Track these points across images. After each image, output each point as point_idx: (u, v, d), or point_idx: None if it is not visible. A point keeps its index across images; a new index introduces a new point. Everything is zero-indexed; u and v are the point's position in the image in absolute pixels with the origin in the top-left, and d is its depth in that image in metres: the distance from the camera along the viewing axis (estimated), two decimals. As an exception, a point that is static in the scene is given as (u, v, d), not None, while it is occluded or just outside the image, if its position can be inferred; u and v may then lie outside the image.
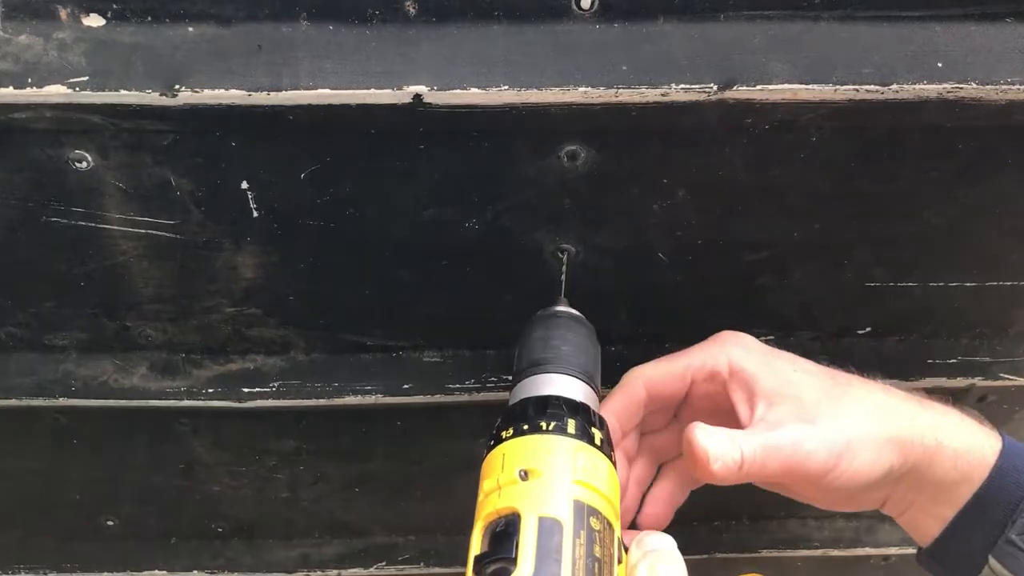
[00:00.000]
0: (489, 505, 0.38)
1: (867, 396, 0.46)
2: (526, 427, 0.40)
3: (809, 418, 0.44)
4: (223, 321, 0.56)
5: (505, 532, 0.37)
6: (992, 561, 0.43)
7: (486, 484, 0.39)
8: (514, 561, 0.35)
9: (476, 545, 0.38)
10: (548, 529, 0.36)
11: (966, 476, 0.45)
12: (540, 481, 0.38)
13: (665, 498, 0.50)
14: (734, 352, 0.46)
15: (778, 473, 0.43)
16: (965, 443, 0.45)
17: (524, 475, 0.38)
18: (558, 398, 0.42)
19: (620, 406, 0.47)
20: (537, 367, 0.45)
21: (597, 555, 0.37)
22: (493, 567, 0.36)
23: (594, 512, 0.38)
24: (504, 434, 0.41)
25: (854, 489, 0.44)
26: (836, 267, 0.54)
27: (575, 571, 0.35)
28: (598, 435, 0.41)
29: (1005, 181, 0.49)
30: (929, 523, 0.46)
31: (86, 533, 0.72)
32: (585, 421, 0.41)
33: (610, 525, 0.39)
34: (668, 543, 0.40)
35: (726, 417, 0.46)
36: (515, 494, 0.38)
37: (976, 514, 0.44)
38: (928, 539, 0.47)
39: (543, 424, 0.40)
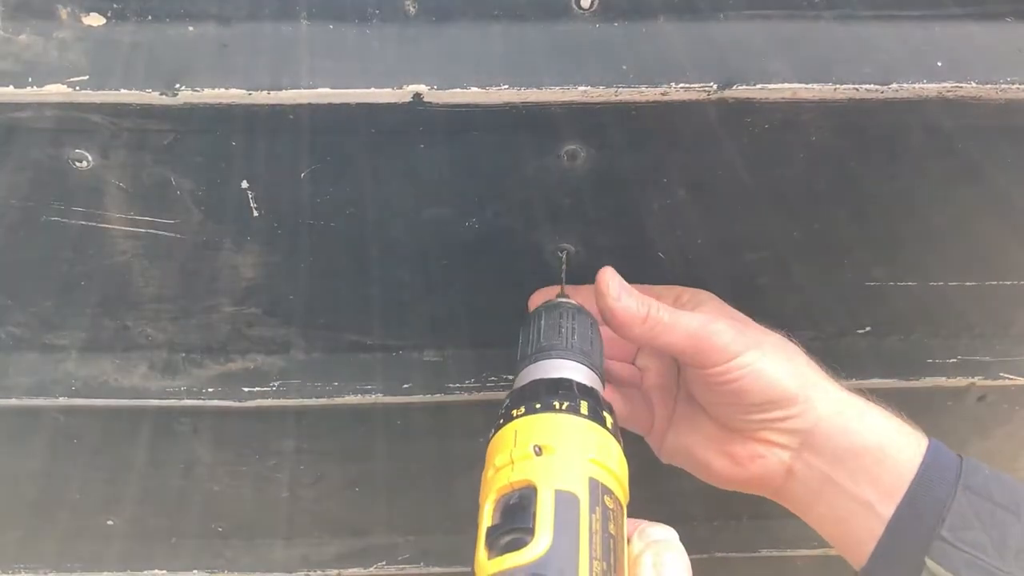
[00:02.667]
0: (502, 479, 0.38)
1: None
2: (538, 406, 0.40)
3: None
4: (223, 320, 0.56)
5: (519, 504, 0.36)
6: (929, 563, 0.42)
7: (497, 459, 0.39)
8: (531, 531, 0.34)
9: (488, 517, 0.37)
10: (565, 502, 0.35)
11: (887, 456, 0.44)
12: (555, 457, 0.37)
13: None
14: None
15: (683, 341, 0.45)
16: (882, 424, 0.45)
17: (539, 450, 0.38)
18: (569, 381, 0.42)
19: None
20: (546, 352, 0.44)
21: (611, 532, 0.36)
22: (508, 537, 0.35)
23: (608, 491, 0.38)
24: (515, 412, 0.40)
25: (752, 401, 0.45)
26: (836, 266, 0.54)
27: (592, 544, 0.35)
28: (609, 419, 0.41)
29: (1005, 181, 0.49)
30: (860, 529, 0.45)
31: (86, 533, 0.72)
32: (596, 404, 0.41)
33: (621, 507, 0.39)
34: (671, 534, 0.40)
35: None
36: (530, 468, 0.37)
37: (909, 519, 0.43)
38: (863, 555, 0.45)
39: (556, 403, 0.40)
